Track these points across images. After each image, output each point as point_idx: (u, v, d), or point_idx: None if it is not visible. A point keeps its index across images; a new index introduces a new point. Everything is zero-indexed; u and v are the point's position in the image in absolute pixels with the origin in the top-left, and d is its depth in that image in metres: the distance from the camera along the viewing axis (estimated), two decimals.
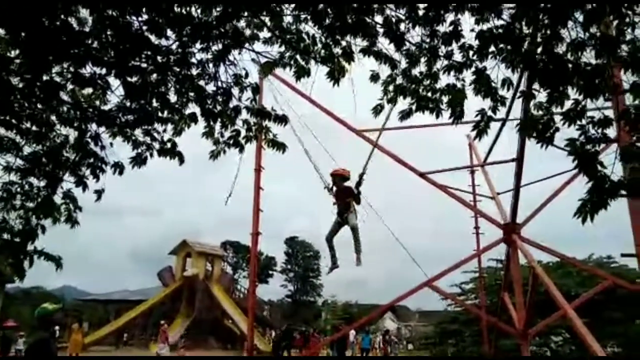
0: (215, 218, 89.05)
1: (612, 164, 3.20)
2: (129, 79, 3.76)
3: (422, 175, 10.72)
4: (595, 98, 3.39)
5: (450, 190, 10.89)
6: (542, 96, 3.67)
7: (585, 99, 3.39)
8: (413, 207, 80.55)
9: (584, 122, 3.35)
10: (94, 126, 4.39)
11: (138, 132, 4.59)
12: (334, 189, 8.91)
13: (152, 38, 3.58)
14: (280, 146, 4.98)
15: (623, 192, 3.11)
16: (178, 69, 3.95)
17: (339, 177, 8.87)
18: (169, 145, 4.71)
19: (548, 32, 3.32)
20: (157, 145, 4.58)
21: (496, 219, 10.90)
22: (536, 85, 3.69)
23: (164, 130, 4.55)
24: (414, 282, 10.26)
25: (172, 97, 4.33)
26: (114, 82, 3.92)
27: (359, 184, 8.67)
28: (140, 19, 3.50)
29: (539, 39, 3.40)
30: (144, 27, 3.51)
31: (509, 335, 12.50)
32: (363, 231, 8.79)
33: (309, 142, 10.23)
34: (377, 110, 4.91)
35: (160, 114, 4.36)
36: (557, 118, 3.51)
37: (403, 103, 4.69)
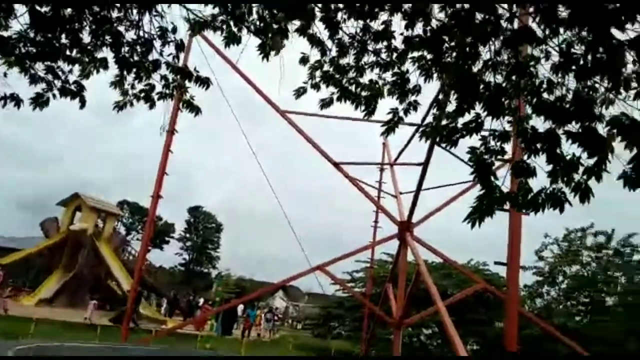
0: (116, 175, 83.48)
1: (503, 177, 3.52)
2: (38, 7, 3.37)
3: (336, 164, 11.03)
4: (497, 117, 3.69)
5: (359, 183, 11.32)
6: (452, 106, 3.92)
7: (487, 115, 3.67)
8: (322, 197, 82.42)
9: (485, 134, 3.62)
10: None
11: (40, 67, 4.16)
12: None
13: None
14: (195, 109, 4.82)
15: (508, 204, 3.44)
16: (97, 8, 3.62)
17: None
18: (73, 87, 4.33)
19: (468, 49, 3.56)
20: (58, 84, 4.17)
21: (396, 216, 11.56)
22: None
23: (70, 71, 4.16)
24: (310, 265, 10.61)
25: (86, 37, 3.98)
26: (20, 7, 3.50)
27: None
28: None
29: (458, 54, 3.62)
30: None
31: (386, 324, 13.40)
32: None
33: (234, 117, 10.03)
34: (300, 92, 4.94)
35: (69, 52, 3.98)
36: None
37: (326, 92, 4.78)
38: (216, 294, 38.43)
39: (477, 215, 3.42)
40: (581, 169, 3.25)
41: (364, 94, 4.51)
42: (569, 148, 3.36)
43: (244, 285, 45.95)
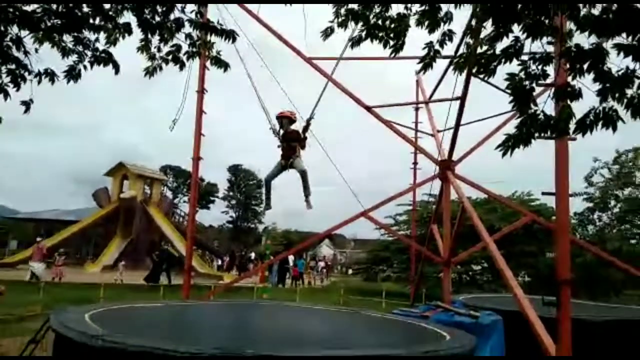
0: (157, 141, 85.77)
1: (544, 102, 3.33)
2: None
3: (368, 108, 10.80)
4: (538, 37, 3.44)
5: (393, 126, 11.09)
6: (486, 33, 3.67)
7: (527, 37, 3.43)
8: (357, 141, 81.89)
9: (525, 58, 3.40)
10: (15, 29, 3.94)
11: (68, 39, 4.21)
12: (281, 131, 8.48)
13: None
14: (224, 64, 4.78)
15: (549, 131, 3.27)
16: None
17: (286, 120, 8.48)
18: (103, 55, 4.37)
19: None
20: (89, 54, 4.22)
21: (435, 156, 11.34)
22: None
23: (96, 40, 4.19)
24: (352, 212, 10.68)
25: (106, 3, 3.96)
26: None
27: (305, 129, 8.44)
28: None
29: None
30: None
31: (435, 263, 13.50)
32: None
33: (258, 70, 9.91)
34: (327, 33, 4.77)
35: (92, 21, 3.98)
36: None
37: (353, 29, 4.59)
38: (265, 247, 39.73)
39: (511, 143, 3.27)
40: (636, 83, 3.04)
41: (392, 26, 4.29)
42: (620, 62, 3.13)
43: (290, 237, 47.26)
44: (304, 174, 8.24)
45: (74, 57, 4.23)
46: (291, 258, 26.91)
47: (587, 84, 3.27)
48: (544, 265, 18.28)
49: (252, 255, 34.10)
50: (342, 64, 9.62)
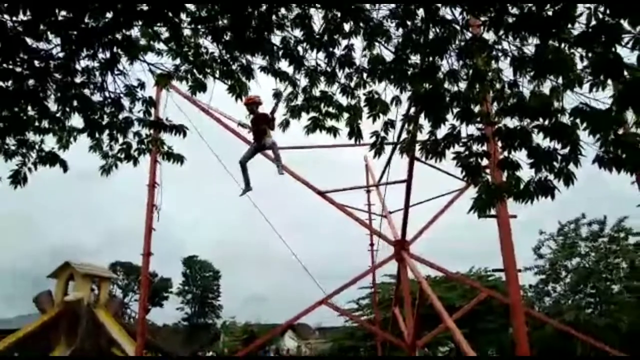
0: (105, 236, 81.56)
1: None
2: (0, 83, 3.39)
3: (321, 193, 10.98)
4: (469, 123, 3.79)
5: (347, 209, 11.26)
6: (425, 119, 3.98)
7: (461, 124, 3.78)
8: (313, 226, 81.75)
9: (465, 139, 3.73)
10: None
11: (11, 142, 4.15)
12: (251, 116, 9.07)
13: (30, 41, 3.27)
14: (178, 158, 4.81)
15: (504, 194, 3.54)
16: (59, 76, 3.64)
17: (254, 105, 8.99)
18: (49, 156, 4.32)
19: (429, 60, 3.65)
20: (34, 155, 4.16)
21: (389, 237, 11.47)
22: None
23: (42, 141, 4.15)
24: (316, 298, 10.37)
25: (53, 106, 3.99)
26: None
27: (274, 110, 8.84)
28: (16, 18, 3.17)
29: (421, 67, 3.72)
30: (20, 29, 3.19)
31: (400, 348, 13.10)
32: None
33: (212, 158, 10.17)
34: (283, 125, 4.99)
35: (38, 123, 3.98)
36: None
37: (307, 120, 4.82)
38: (223, 345, 37.36)
39: (479, 206, 3.56)
40: (559, 158, 3.37)
41: (344, 115, 4.53)
42: (542, 140, 3.48)
43: (252, 330, 44.82)
44: (274, 146, 9.06)
45: (18, 159, 4.15)
46: None
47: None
48: (508, 341, 18.11)
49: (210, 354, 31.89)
50: (294, 153, 9.92)
